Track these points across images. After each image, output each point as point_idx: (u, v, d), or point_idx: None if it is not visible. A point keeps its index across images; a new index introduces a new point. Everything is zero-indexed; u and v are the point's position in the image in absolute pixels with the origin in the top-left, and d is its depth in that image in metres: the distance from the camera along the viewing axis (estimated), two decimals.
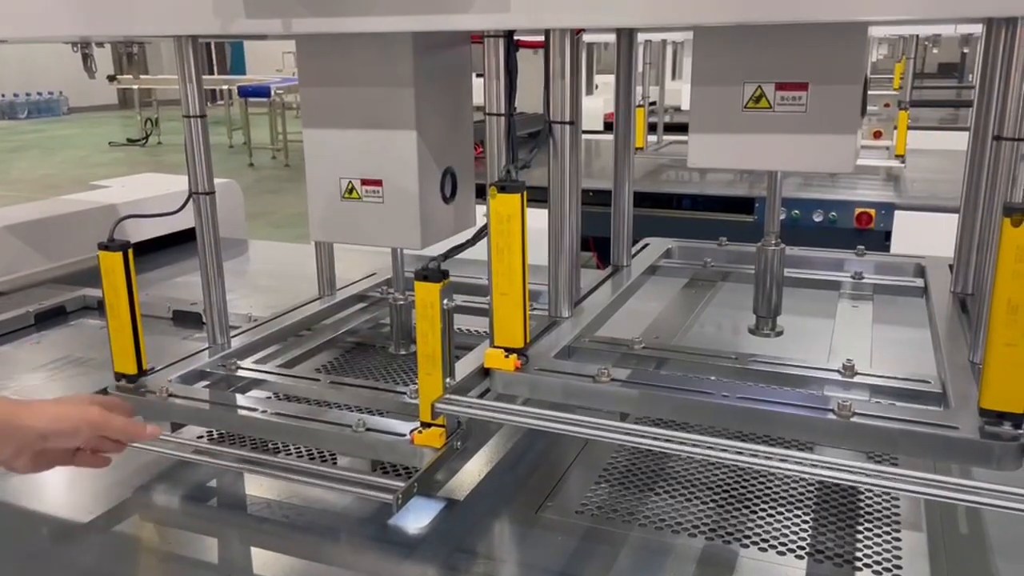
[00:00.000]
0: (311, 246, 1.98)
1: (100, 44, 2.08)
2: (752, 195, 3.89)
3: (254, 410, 1.34)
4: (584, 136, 1.45)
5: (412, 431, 1.21)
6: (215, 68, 19.53)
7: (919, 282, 1.56)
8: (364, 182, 1.48)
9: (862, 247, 1.71)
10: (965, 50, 5.17)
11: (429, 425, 1.20)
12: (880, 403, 1.03)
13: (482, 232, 1.26)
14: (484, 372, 1.18)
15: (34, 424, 1.02)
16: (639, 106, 4.49)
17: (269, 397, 1.54)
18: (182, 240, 2.73)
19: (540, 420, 1.05)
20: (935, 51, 4.58)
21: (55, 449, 1.07)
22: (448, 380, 1.19)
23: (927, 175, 4.25)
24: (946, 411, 1.02)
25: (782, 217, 3.77)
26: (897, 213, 3.59)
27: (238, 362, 1.54)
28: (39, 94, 17.71)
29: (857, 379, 1.12)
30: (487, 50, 1.28)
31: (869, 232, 3.60)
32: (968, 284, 1.42)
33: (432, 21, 1.24)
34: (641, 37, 4.10)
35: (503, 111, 1.29)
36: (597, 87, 6.42)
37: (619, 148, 1.63)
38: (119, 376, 1.43)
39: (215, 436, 1.45)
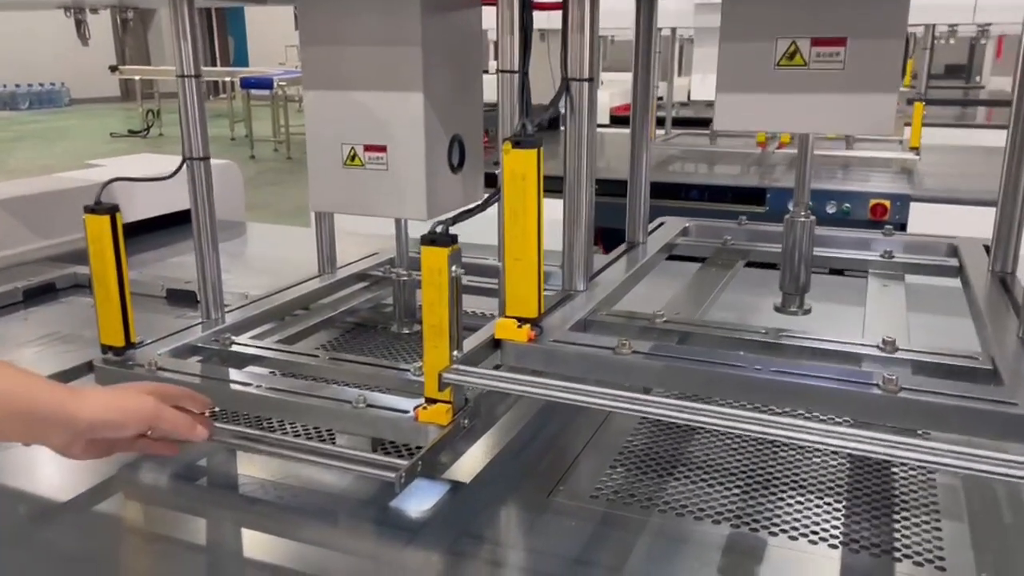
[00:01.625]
0: (311, 230, 1.90)
1: (94, 10, 2.01)
2: (763, 185, 3.80)
3: (248, 385, 1.26)
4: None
5: (416, 408, 1.13)
6: (218, 60, 19.46)
7: (952, 261, 1.47)
8: (367, 148, 1.40)
9: (890, 227, 1.62)
10: (983, 41, 5.09)
11: (434, 401, 1.12)
12: (925, 379, 0.95)
13: (493, 196, 1.17)
14: (494, 344, 1.10)
15: (81, 414, 0.98)
16: None
17: (264, 373, 1.46)
18: (178, 221, 2.65)
19: (556, 391, 0.96)
20: (951, 42, 4.49)
21: (115, 437, 1.04)
22: (455, 353, 1.11)
23: (941, 168, 4.16)
24: (999, 387, 0.94)
25: (792, 208, 3.74)
26: (913, 205, 3.51)
27: (232, 337, 1.46)
28: (40, 85, 17.63)
29: (899, 355, 1.04)
30: (501, 3, 1.20)
31: (884, 224, 3.51)
32: (1008, 263, 1.34)
33: None
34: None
35: (516, 68, 1.21)
36: (603, 83, 6.35)
37: (637, 126, 1.55)
38: (105, 348, 1.35)
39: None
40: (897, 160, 4.14)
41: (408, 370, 1.29)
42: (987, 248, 1.51)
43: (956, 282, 1.41)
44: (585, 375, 1.02)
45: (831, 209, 3.64)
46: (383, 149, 1.39)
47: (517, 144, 1.04)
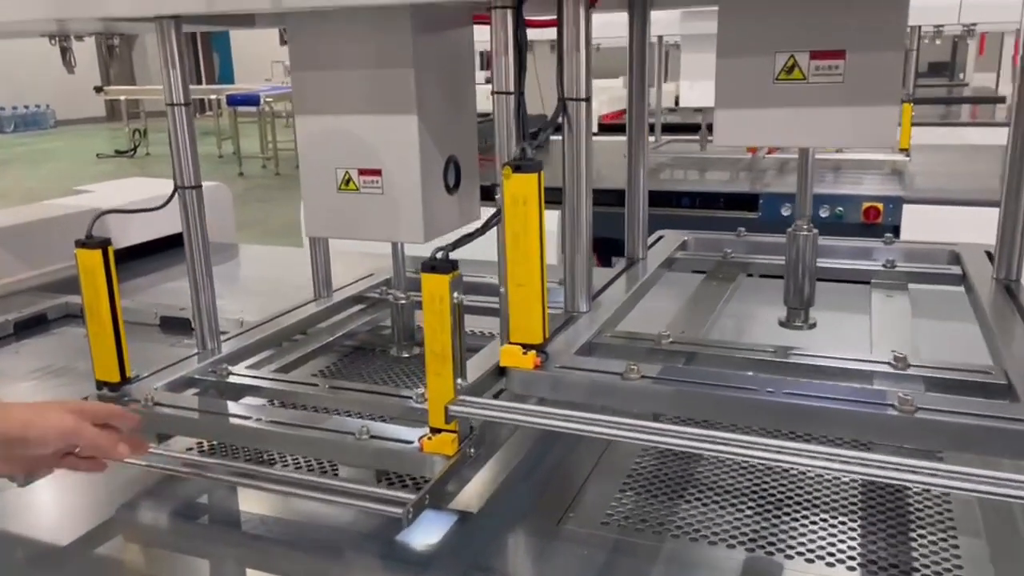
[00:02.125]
0: (304, 250, 1.88)
1: (79, 37, 1.98)
2: (755, 191, 3.80)
3: (247, 418, 1.23)
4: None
5: (421, 438, 1.11)
6: (203, 78, 19.40)
7: (955, 269, 1.46)
8: (362, 172, 1.38)
9: (890, 235, 1.61)
10: (968, 40, 5.12)
11: (439, 431, 1.10)
12: (941, 396, 0.94)
13: (493, 219, 1.15)
14: (499, 371, 1.08)
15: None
16: None
17: (263, 404, 1.44)
18: (169, 246, 2.63)
19: (567, 422, 0.94)
20: (937, 42, 4.50)
21: (34, 455, 1.02)
22: (459, 381, 1.08)
23: (931, 168, 4.16)
24: (1016, 404, 0.93)
25: (786, 214, 3.73)
26: (905, 207, 3.51)
27: (229, 368, 1.43)
28: (25, 107, 17.53)
29: (911, 371, 1.02)
30: (494, 24, 1.18)
31: (877, 227, 3.51)
32: (1012, 270, 1.33)
33: None
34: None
35: (512, 89, 1.19)
36: None
37: (634, 138, 1.53)
38: (100, 384, 1.32)
39: (205, 448, 1.34)
40: (887, 161, 4.14)
41: (410, 397, 1.27)
42: (989, 255, 1.50)
43: (960, 290, 1.40)
44: (592, 401, 1.00)
45: (824, 213, 3.63)
46: (378, 173, 1.37)
47: (517, 168, 1.02)
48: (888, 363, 1.04)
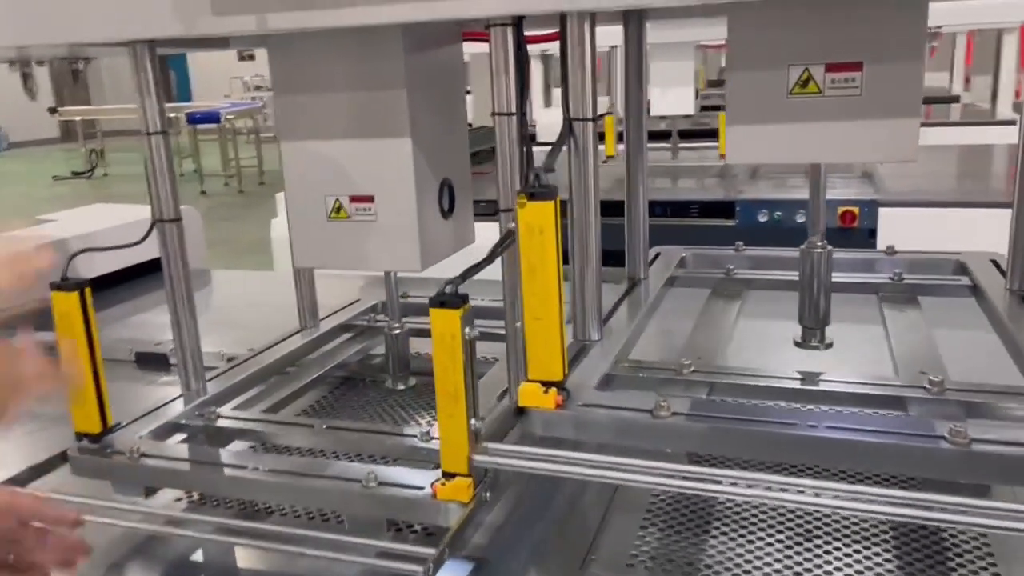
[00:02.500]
0: (278, 273, 1.81)
1: (40, 62, 1.89)
2: (731, 198, 3.77)
3: (243, 467, 1.15)
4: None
5: (433, 483, 1.04)
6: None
7: (964, 280, 1.43)
8: (353, 199, 1.31)
9: (892, 245, 1.58)
10: (932, 43, 5.18)
11: (452, 475, 1.03)
12: (988, 424, 0.89)
13: (500, 246, 1.09)
14: (517, 411, 1.02)
15: None
16: (607, 114, 4.38)
17: (254, 447, 1.36)
18: (136, 275, 2.52)
19: (613, 471, 0.88)
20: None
21: None
22: (473, 422, 1.02)
23: (901, 170, 4.18)
24: None
25: (763, 220, 3.72)
26: (881, 210, 3.51)
27: (217, 410, 1.35)
28: None
29: (948, 395, 0.98)
30: (494, 42, 1.13)
31: (853, 231, 3.51)
32: None
33: (431, 9, 1.08)
34: (609, 42, 3.98)
35: (514, 110, 1.14)
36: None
37: (631, 153, 1.48)
38: (80, 436, 1.24)
39: (195, 497, 1.26)
40: (857, 164, 4.15)
41: (415, 436, 1.20)
42: (995, 263, 1.48)
43: (972, 302, 1.37)
44: (621, 442, 0.94)
45: (800, 219, 3.62)
46: (370, 199, 1.30)
47: (532, 196, 0.96)
48: (923, 387, 1.00)
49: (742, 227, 3.68)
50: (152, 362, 1.89)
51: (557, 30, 1.17)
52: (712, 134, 4.60)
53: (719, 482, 0.84)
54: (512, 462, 0.93)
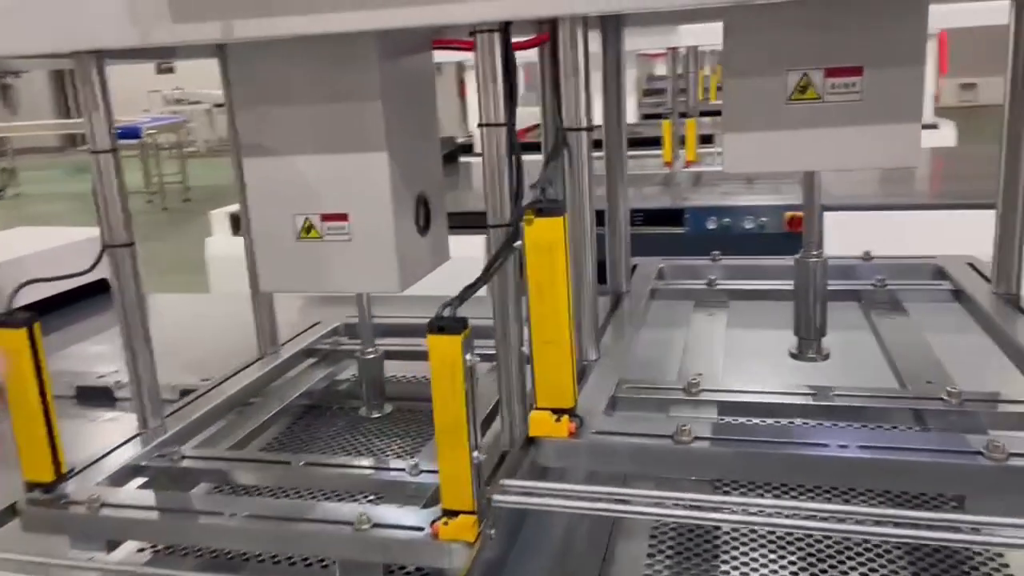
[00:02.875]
0: (219, 295, 1.70)
1: None
2: (679, 206, 3.78)
3: (218, 514, 1.06)
4: None
5: (433, 522, 0.97)
6: (72, 112, 18.35)
7: (945, 284, 1.43)
8: (325, 217, 1.23)
9: (868, 251, 1.57)
10: None
11: (454, 513, 0.96)
12: (1018, 437, 0.87)
13: (495, 264, 1.03)
14: (527, 441, 0.95)
15: None
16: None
17: (222, 490, 1.26)
18: (66, 302, 2.36)
19: (650, 506, 0.82)
20: None
21: None
22: (476, 454, 0.95)
23: (838, 174, 4.26)
24: None
25: (711, 226, 3.74)
26: (826, 215, 3.56)
27: (180, 449, 1.25)
28: None
29: (967, 406, 0.95)
30: (480, 50, 1.06)
31: (800, 235, 3.55)
32: (1012, 283, 1.29)
33: (412, 16, 1.01)
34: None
35: (503, 120, 1.07)
36: None
37: (612, 163, 1.43)
38: (31, 486, 1.12)
39: (159, 548, 1.16)
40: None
41: (403, 469, 1.13)
42: (972, 266, 1.48)
43: (957, 307, 1.36)
44: (642, 471, 0.89)
45: (749, 224, 3.65)
46: (344, 217, 1.22)
47: (540, 212, 0.90)
48: (940, 399, 0.97)
49: (691, 235, 3.68)
50: (95, 397, 1.76)
51: (531, 37, 1.12)
52: (652, 142, 4.61)
53: (772, 514, 0.79)
54: (540, 502, 0.86)
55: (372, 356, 1.46)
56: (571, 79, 1.06)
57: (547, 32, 1.04)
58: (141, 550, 1.16)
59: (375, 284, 1.26)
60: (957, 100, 14.01)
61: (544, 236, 0.90)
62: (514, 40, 1.09)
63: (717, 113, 6.76)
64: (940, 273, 1.46)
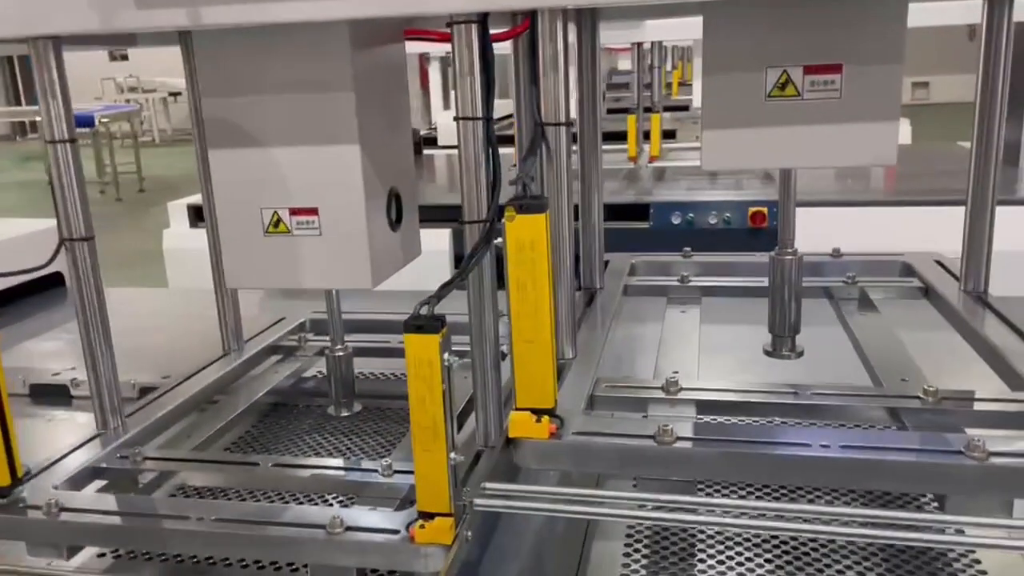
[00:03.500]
0: (178, 290, 1.66)
1: None
2: (643, 200, 3.79)
3: (184, 518, 1.02)
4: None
5: (409, 525, 0.94)
6: (23, 99, 17.83)
7: (913, 281, 1.44)
8: (294, 212, 1.19)
9: (837, 248, 1.58)
10: None
11: (430, 516, 0.94)
12: (1000, 436, 0.87)
13: (471, 260, 1.00)
14: (506, 442, 0.93)
15: None
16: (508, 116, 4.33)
17: (183, 492, 1.22)
18: (16, 296, 2.29)
19: (632, 510, 0.80)
20: None
21: None
22: (453, 455, 0.93)
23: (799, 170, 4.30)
24: None
25: (676, 222, 3.75)
26: None
27: (141, 451, 1.20)
28: None
29: (945, 405, 0.96)
30: (457, 41, 1.04)
31: (764, 231, 3.58)
32: (980, 282, 1.31)
33: (388, 5, 0.99)
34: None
35: (480, 114, 1.05)
36: None
37: (586, 157, 1.42)
38: None
39: (120, 553, 1.12)
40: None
41: (375, 470, 1.10)
42: (939, 263, 1.49)
43: (926, 303, 1.37)
44: (623, 472, 0.88)
45: (713, 220, 3.67)
46: (314, 212, 1.19)
47: (522, 208, 0.88)
48: (917, 397, 0.97)
49: (656, 229, 3.70)
50: (49, 395, 1.70)
51: (506, 30, 1.10)
52: (618, 136, 4.62)
53: (750, 514, 0.78)
54: (523, 505, 0.84)
55: (341, 354, 1.42)
56: (550, 73, 1.04)
57: (527, 22, 1.02)
58: (101, 555, 1.12)
59: (346, 280, 1.23)
60: (910, 98, 14.33)
61: (526, 233, 0.88)
62: (492, 32, 1.06)
63: (680, 108, 6.83)
64: (908, 270, 1.47)
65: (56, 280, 2.45)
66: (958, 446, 0.82)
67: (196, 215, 3.46)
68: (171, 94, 15.14)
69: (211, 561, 1.09)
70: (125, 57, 13.90)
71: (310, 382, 1.61)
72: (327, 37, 1.11)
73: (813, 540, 1.07)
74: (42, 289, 2.41)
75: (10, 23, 1.06)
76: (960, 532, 0.83)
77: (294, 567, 1.06)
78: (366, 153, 1.16)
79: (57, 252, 1.21)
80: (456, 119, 1.07)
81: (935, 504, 0.98)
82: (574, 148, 1.43)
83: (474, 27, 1.03)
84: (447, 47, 1.06)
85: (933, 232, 2.17)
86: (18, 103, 16.27)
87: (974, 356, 1.14)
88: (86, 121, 10.20)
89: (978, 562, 1.01)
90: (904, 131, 5.32)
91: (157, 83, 15.18)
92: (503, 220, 0.90)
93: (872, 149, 1.05)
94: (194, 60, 1.18)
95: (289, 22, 1.01)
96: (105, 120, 10.28)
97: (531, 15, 1.02)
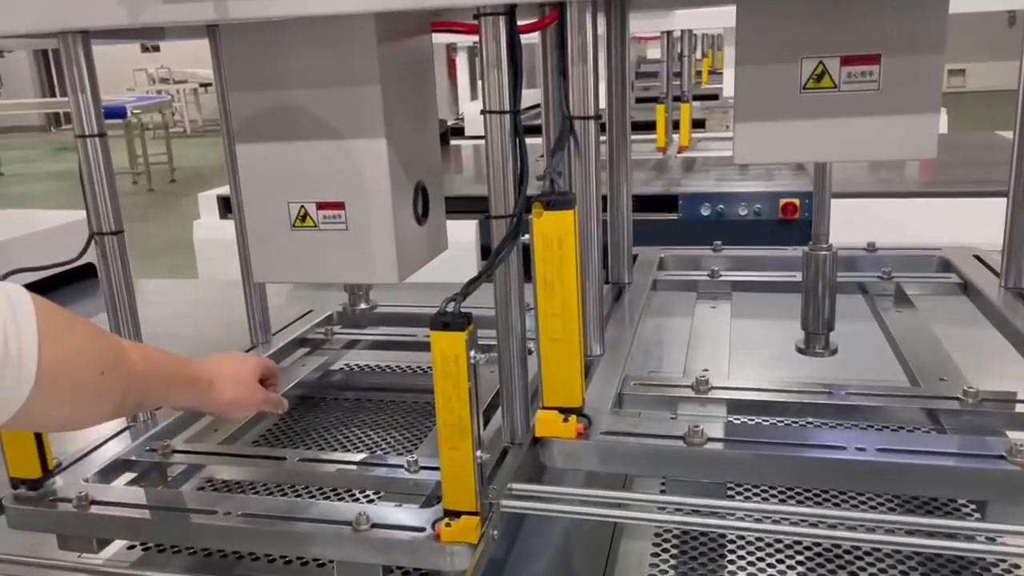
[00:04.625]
0: (209, 281, 1.67)
1: None
2: (672, 192, 3.75)
3: (211, 512, 1.02)
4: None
5: (435, 523, 0.94)
6: (56, 91, 18.08)
7: (952, 277, 1.40)
8: (321, 206, 1.19)
9: (873, 242, 1.54)
10: None
11: (456, 514, 0.93)
12: None
13: (498, 256, 0.99)
14: (533, 441, 0.92)
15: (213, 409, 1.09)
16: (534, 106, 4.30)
17: (212, 485, 1.22)
18: (48, 287, 2.31)
19: (673, 514, 0.79)
20: None
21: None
22: (479, 453, 0.92)
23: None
24: None
25: (706, 214, 3.71)
26: None
27: (170, 444, 1.21)
28: None
29: (986, 406, 0.93)
30: (484, 34, 1.02)
31: (795, 222, 3.53)
32: (1022, 278, 1.27)
33: None
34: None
35: (508, 107, 1.04)
36: None
37: (615, 149, 1.40)
38: (16, 483, 1.08)
39: (150, 546, 1.12)
40: None
41: (400, 466, 1.10)
42: (978, 258, 1.45)
43: (965, 300, 1.34)
44: (653, 474, 0.86)
45: (743, 211, 3.62)
46: (340, 206, 1.18)
47: (549, 205, 0.87)
48: (956, 399, 0.95)
49: (685, 221, 3.66)
50: None
51: (535, 21, 1.08)
52: (646, 126, 4.57)
53: (780, 520, 0.76)
54: (553, 508, 0.83)
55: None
56: (579, 66, 1.02)
57: (555, 13, 1.00)
58: (131, 547, 1.13)
59: (372, 275, 1.22)
60: (946, 86, 14.03)
61: (554, 230, 0.87)
62: (520, 23, 1.05)
63: (710, 97, 6.74)
64: (946, 265, 1.43)
65: (89, 271, 2.48)
66: (999, 450, 0.80)
67: (226, 206, 3.48)
68: (202, 85, 15.26)
69: (238, 555, 1.10)
70: (157, 48, 14.02)
71: (337, 375, 1.61)
72: (353, 30, 1.10)
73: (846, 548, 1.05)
74: (75, 280, 2.43)
75: (39, 18, 1.06)
76: (992, 540, 0.81)
77: (320, 563, 1.06)
78: (392, 147, 1.15)
79: (87, 246, 1.22)
80: (483, 112, 1.06)
81: (973, 508, 0.96)
82: (602, 139, 1.41)
83: (502, 19, 1.01)
84: (475, 37, 1.05)
85: (971, 225, 2.12)
86: (52, 95, 16.49)
87: (1015, 355, 1.11)
88: (118, 112, 10.31)
89: (1017, 566, 0.98)
90: (940, 120, 5.22)
91: (188, 74, 15.30)
92: (530, 215, 0.88)
93: (911, 142, 1.02)
94: (221, 54, 1.18)
95: (315, 15, 1.01)
96: (137, 111, 10.39)
97: (559, 6, 1.00)
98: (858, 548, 1.04)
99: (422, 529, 0.94)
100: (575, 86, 1.02)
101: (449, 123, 5.47)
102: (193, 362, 1.07)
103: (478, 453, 0.92)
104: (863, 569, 1.00)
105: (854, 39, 1.00)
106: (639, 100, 5.54)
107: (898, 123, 1.01)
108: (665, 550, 1.07)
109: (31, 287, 2.21)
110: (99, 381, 0.85)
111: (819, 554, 1.03)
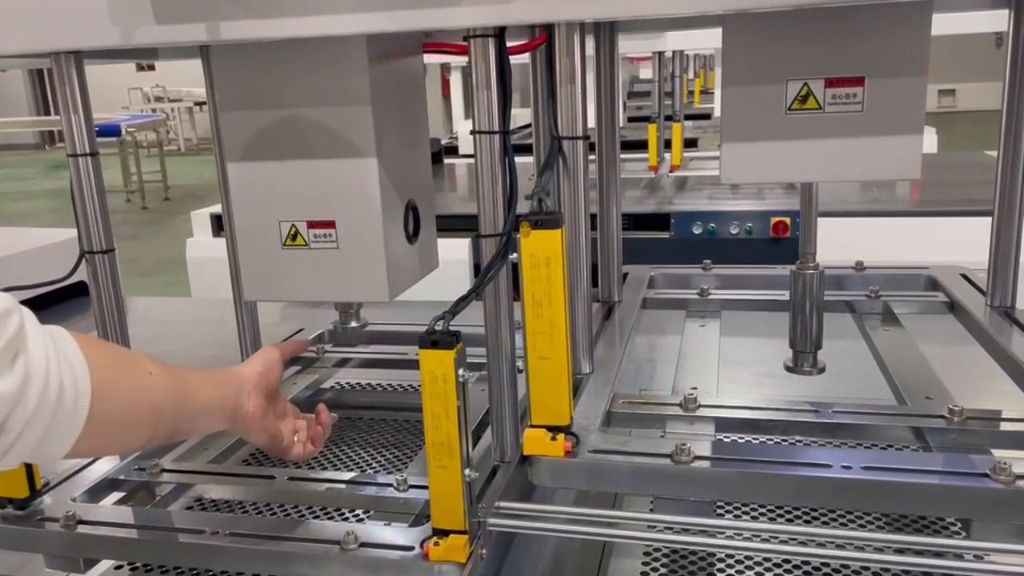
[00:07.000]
0: (201, 299, 1.67)
1: None
2: (664, 210, 3.77)
3: (199, 532, 1.02)
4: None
5: (423, 542, 0.94)
6: (50, 108, 18.13)
7: (939, 296, 1.41)
8: (311, 224, 1.20)
9: (861, 261, 1.55)
10: None
11: (445, 533, 0.93)
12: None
13: (488, 275, 1.00)
14: (520, 459, 0.92)
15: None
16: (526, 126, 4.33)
17: (198, 505, 1.22)
18: (39, 305, 2.30)
19: (665, 532, 0.79)
20: None
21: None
22: (468, 472, 0.92)
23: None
24: None
25: (697, 231, 3.73)
26: None
27: (159, 463, 1.21)
28: None
29: (971, 424, 0.93)
30: (474, 55, 1.03)
31: (787, 241, 3.55)
32: (1008, 296, 1.28)
33: (405, 19, 0.98)
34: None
35: (497, 128, 1.05)
36: None
37: (605, 167, 1.41)
38: (3, 502, 1.08)
39: (138, 566, 1.12)
40: None
41: (390, 484, 1.10)
42: (965, 277, 1.47)
43: (952, 319, 1.35)
44: (639, 492, 0.86)
45: (735, 230, 3.64)
46: (331, 225, 1.19)
47: (537, 224, 0.87)
48: (942, 416, 0.95)
49: (676, 239, 3.67)
50: None
51: (523, 42, 1.10)
52: (639, 145, 4.60)
53: (768, 539, 0.77)
54: (529, 524, 0.83)
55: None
56: (567, 86, 1.03)
57: (544, 34, 1.01)
58: (119, 567, 1.12)
59: (363, 293, 1.23)
60: (936, 105, 14.17)
61: (541, 249, 0.88)
62: (510, 44, 1.06)
63: (702, 117, 6.80)
64: (933, 284, 1.45)
65: (80, 289, 2.48)
66: (984, 468, 0.80)
67: (219, 224, 3.48)
68: (196, 103, 15.32)
69: (226, 575, 1.09)
70: (152, 67, 14.07)
71: (328, 393, 1.61)
72: (345, 51, 1.11)
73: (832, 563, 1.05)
74: (66, 298, 2.43)
75: (32, 38, 1.07)
76: (980, 558, 0.81)
77: None
78: (383, 166, 1.16)
79: (78, 265, 1.22)
80: (473, 133, 1.07)
81: (960, 526, 0.96)
82: (592, 158, 1.42)
83: (491, 41, 1.02)
84: (466, 58, 1.06)
85: (960, 243, 2.13)
86: (47, 113, 16.53)
87: (1001, 374, 1.12)
88: (113, 130, 10.33)
89: None
90: (930, 139, 5.26)
91: (183, 93, 15.36)
92: (519, 234, 0.89)
93: (895, 163, 1.03)
94: (213, 73, 1.19)
95: (307, 37, 1.02)
96: (131, 129, 10.41)
97: (548, 28, 1.01)
98: (847, 567, 1.04)
99: (411, 548, 0.94)
100: (563, 106, 1.04)
101: (443, 142, 5.49)
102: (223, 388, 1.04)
103: (467, 472, 0.92)
104: None
105: (838, 61, 1.02)
106: (632, 119, 5.58)
107: (882, 144, 1.02)
108: (655, 569, 1.07)
109: (24, 305, 2.21)
110: (140, 420, 0.85)
111: (807, 573, 1.03)
